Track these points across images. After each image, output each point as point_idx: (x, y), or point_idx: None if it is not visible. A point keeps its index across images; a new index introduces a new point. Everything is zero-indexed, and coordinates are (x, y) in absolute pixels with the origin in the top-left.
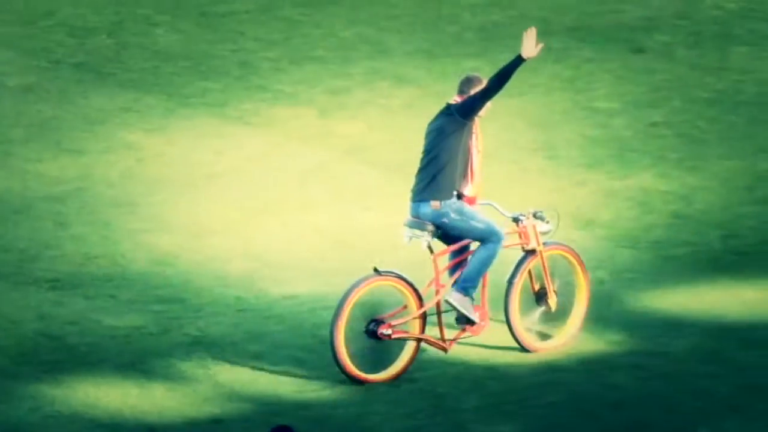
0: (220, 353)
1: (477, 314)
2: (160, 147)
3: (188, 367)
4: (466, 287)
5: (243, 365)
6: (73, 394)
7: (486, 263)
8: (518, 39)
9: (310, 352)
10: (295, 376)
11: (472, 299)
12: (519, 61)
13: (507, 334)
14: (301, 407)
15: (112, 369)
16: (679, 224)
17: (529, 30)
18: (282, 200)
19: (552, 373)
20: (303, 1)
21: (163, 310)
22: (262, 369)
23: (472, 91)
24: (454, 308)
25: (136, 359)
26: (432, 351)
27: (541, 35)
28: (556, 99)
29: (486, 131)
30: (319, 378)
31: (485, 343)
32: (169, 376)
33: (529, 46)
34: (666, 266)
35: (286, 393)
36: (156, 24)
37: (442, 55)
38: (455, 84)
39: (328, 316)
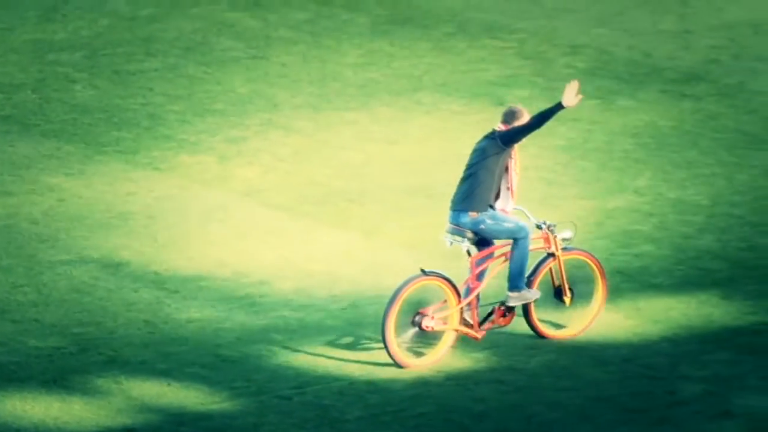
0: (132, 370)
1: (534, 292)
2: (79, 189)
3: (104, 382)
4: (516, 285)
5: (152, 381)
6: (2, 407)
7: (523, 258)
8: (394, 94)
9: (211, 369)
10: (198, 390)
11: (528, 291)
12: (559, 107)
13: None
14: (203, 418)
15: (36, 385)
16: (538, 254)
17: (572, 82)
18: (186, 237)
19: (424, 387)
20: (205, 60)
21: (81, 333)
22: (169, 384)
23: (515, 122)
24: (516, 306)
25: (58, 376)
26: (321, 367)
27: (413, 91)
28: (430, 146)
29: (365, 177)
30: (219, 392)
31: (367, 360)
32: (86, 391)
33: (570, 96)
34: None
35: (191, 405)
36: (75, 81)
37: (327, 108)
38: (339, 133)
39: (227, 336)
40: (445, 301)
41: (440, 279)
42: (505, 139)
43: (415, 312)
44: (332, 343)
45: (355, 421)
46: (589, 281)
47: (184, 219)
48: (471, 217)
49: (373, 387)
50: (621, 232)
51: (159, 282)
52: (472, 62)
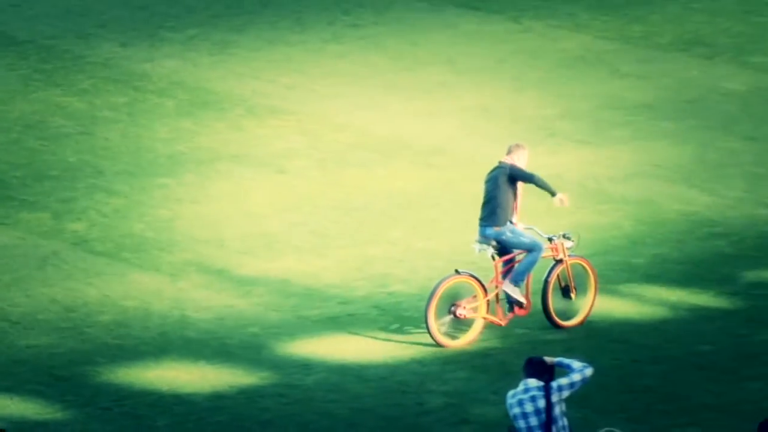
0: None
1: (524, 299)
2: None
3: None
4: (515, 280)
5: None
6: None
7: (530, 265)
8: (196, 163)
9: (47, 386)
10: (36, 403)
11: (521, 288)
12: (551, 194)
13: (193, 369)
14: (40, 425)
15: None
16: (310, 294)
17: (565, 199)
18: (26, 278)
19: (220, 399)
20: (42, 135)
21: None
22: (11, 398)
23: (516, 152)
24: (507, 294)
25: None
26: (136, 384)
27: (212, 161)
28: (226, 206)
29: (173, 230)
30: (53, 404)
31: (174, 378)
32: None
33: (560, 201)
34: (301, 324)
35: (30, 415)
36: None
37: (141, 174)
38: (151, 195)
39: (60, 359)
40: (475, 295)
41: (470, 277)
42: (512, 175)
43: (450, 303)
44: (145, 365)
45: (164, 428)
46: (586, 281)
47: (25, 264)
48: (495, 230)
49: (178, 400)
50: (379, 274)
51: (3, 315)
52: (259, 138)
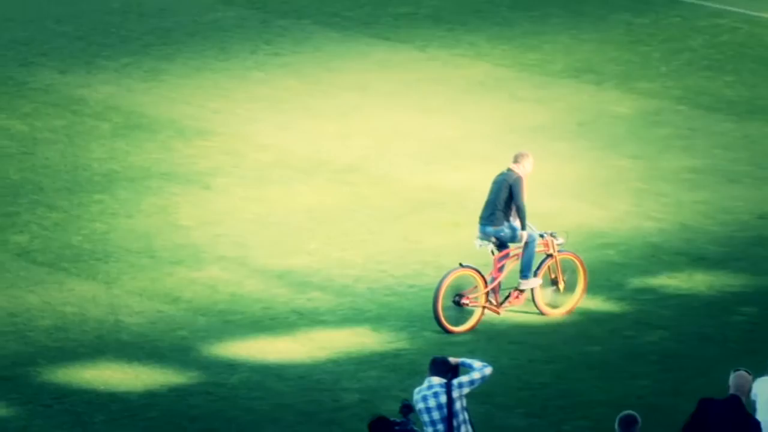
0: None
1: (537, 280)
2: None
3: None
4: (525, 274)
5: None
6: None
7: (530, 257)
8: (129, 181)
9: None
10: None
11: (534, 276)
12: (522, 227)
13: (127, 369)
14: None
15: None
16: (234, 300)
17: (524, 236)
18: None
19: (152, 397)
20: None
21: None
22: None
23: (522, 161)
24: (527, 287)
25: None
26: (75, 383)
27: (143, 179)
28: (157, 219)
29: (108, 242)
30: None
31: (110, 377)
32: None
33: (521, 236)
34: (227, 327)
35: None
36: None
37: (79, 191)
38: (88, 209)
39: (4, 361)
40: (476, 286)
41: (472, 270)
42: (511, 188)
43: (455, 294)
44: (83, 365)
45: (101, 424)
46: (575, 274)
47: None
48: (493, 228)
49: (114, 398)
50: (297, 282)
51: None
52: (187, 157)
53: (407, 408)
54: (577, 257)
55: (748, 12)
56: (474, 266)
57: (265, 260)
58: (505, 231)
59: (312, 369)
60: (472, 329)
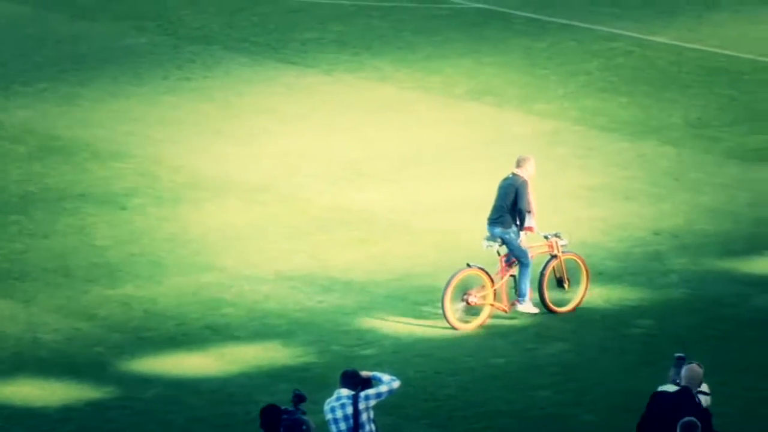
0: None
1: (535, 309)
2: None
3: None
4: (522, 296)
5: None
6: None
7: (524, 277)
8: (45, 201)
9: None
10: None
11: (529, 301)
12: (523, 228)
13: (45, 385)
14: None
15: None
16: (149, 317)
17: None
18: None
19: (68, 412)
20: None
21: None
22: None
23: (524, 165)
24: (524, 311)
25: None
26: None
27: (58, 200)
28: (72, 239)
29: (25, 261)
30: None
31: (27, 394)
32: None
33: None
34: (142, 343)
35: None
36: None
37: None
38: (6, 230)
39: None
40: (483, 285)
41: (480, 270)
42: (518, 191)
43: (463, 293)
44: (2, 382)
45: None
46: (578, 273)
47: None
48: (501, 229)
49: (31, 413)
50: (210, 299)
51: None
52: (102, 179)
53: (298, 398)
54: (580, 257)
55: (640, 36)
56: (481, 266)
57: (179, 278)
58: (510, 235)
59: (225, 383)
60: (479, 327)
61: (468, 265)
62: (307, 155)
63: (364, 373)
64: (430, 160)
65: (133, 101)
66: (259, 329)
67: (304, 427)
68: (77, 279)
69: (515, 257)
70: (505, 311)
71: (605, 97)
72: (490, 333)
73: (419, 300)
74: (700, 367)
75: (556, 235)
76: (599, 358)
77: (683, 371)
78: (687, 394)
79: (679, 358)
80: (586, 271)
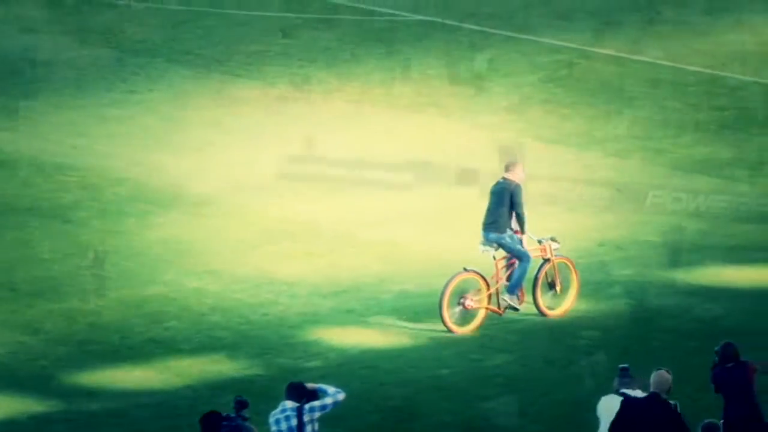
0: None
1: (519, 305)
2: None
3: None
4: (512, 290)
5: None
6: None
7: (521, 276)
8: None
9: None
10: None
11: (517, 296)
12: (524, 231)
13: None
14: None
15: None
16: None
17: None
18: None
19: (12, 425)
20: None
21: None
22: None
23: (513, 169)
24: (507, 302)
25: None
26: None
27: (3, 214)
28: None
29: None
30: None
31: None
32: None
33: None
34: (86, 357)
35: None
36: None
37: None
38: None
39: None
40: (479, 289)
41: (476, 274)
42: (512, 196)
43: (459, 296)
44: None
45: None
46: (569, 276)
47: None
48: (496, 234)
49: None
50: (154, 312)
51: None
52: (47, 192)
53: (240, 404)
54: (570, 261)
55: (584, 48)
56: (477, 270)
57: (123, 291)
58: (506, 239)
59: (169, 396)
60: (475, 330)
61: (465, 270)
62: (252, 168)
63: (310, 386)
64: (375, 171)
65: (77, 114)
66: (204, 342)
67: None
68: (22, 293)
69: (516, 258)
70: (500, 314)
71: (550, 109)
72: (435, 344)
73: (364, 312)
74: (669, 373)
75: (552, 239)
76: (544, 369)
77: (652, 377)
78: (655, 399)
79: (623, 369)
80: (576, 274)
